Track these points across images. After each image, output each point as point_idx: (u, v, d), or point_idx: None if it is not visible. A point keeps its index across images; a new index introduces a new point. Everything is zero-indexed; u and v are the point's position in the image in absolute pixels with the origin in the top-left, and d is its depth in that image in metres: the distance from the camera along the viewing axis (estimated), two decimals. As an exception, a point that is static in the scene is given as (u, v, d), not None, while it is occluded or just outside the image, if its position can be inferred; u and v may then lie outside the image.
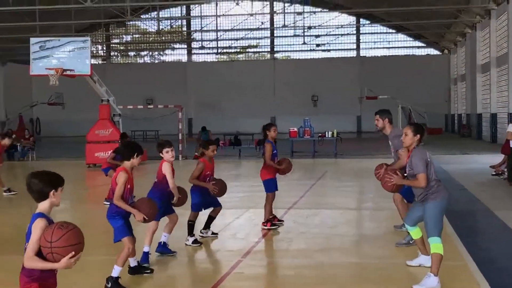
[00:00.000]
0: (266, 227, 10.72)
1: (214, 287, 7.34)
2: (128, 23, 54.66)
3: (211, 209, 9.91)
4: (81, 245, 4.39)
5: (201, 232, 10.07)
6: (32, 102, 53.07)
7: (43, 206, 4.54)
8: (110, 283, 7.12)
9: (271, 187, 10.79)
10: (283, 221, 11.40)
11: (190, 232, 9.59)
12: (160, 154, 8.61)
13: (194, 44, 59.67)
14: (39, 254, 4.37)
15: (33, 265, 4.37)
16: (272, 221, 10.86)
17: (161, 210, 8.27)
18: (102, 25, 55.60)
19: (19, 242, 9.25)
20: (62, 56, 21.75)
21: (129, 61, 61.23)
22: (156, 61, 61.19)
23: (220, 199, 9.92)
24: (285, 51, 59.21)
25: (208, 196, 9.61)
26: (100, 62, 59.24)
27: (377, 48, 57.47)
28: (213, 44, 58.82)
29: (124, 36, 61.17)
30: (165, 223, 8.79)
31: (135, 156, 7.37)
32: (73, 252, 4.34)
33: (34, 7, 32.33)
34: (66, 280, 5.11)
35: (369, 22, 55.23)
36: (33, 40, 21.99)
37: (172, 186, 8.43)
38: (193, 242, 9.53)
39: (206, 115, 53.49)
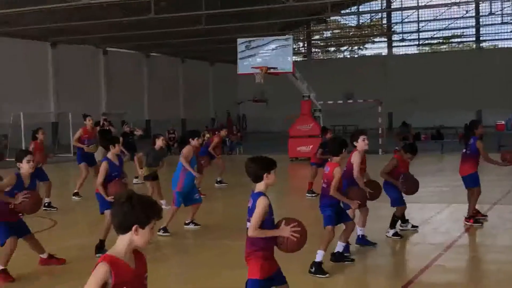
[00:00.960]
0: (469, 223, 10.54)
1: (414, 277, 7.49)
2: (329, 19, 55.43)
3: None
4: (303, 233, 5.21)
5: (400, 226, 10.18)
6: (238, 100, 56.12)
7: (260, 186, 5.25)
8: (314, 268, 7.58)
9: (475, 181, 10.57)
10: (486, 216, 11.13)
11: (392, 225, 9.76)
12: (354, 143, 8.77)
13: (395, 37, 58.98)
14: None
15: (257, 234, 5.10)
16: (475, 217, 10.64)
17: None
18: (303, 23, 56.99)
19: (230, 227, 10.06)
20: (266, 54, 22.82)
21: (329, 57, 62.10)
22: (356, 56, 61.42)
23: (419, 194, 9.93)
24: (492, 40, 56.41)
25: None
26: (301, 59, 60.79)
27: None
28: (414, 36, 57.69)
29: (324, 32, 62.15)
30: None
31: (343, 151, 7.81)
32: (285, 221, 5.16)
33: (238, 9, 34.09)
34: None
35: None
36: (239, 40, 23.32)
37: (356, 175, 8.57)
38: (393, 235, 9.69)
39: (406, 108, 52.65)
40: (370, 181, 8.85)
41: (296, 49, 61.27)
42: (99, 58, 45.02)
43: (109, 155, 9.10)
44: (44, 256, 8.32)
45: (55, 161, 26.45)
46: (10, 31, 36.53)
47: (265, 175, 5.22)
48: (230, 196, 15.46)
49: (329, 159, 8.26)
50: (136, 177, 16.51)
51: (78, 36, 40.35)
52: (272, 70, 22.69)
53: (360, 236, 9.19)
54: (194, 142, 10.94)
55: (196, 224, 10.86)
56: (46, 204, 13.07)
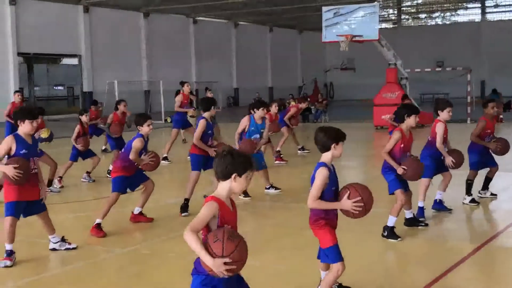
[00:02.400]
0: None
1: (487, 241, 7.60)
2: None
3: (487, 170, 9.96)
4: None
5: (479, 193, 10.18)
6: (326, 68, 55.92)
7: (325, 156, 5.30)
8: (386, 232, 7.80)
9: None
10: None
11: (468, 191, 9.79)
12: (439, 112, 8.83)
13: (489, 3, 56.84)
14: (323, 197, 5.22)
15: (316, 206, 5.20)
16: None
17: (433, 167, 8.71)
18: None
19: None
20: (352, 22, 22.75)
21: (420, 24, 60.64)
22: (448, 22, 59.67)
23: (501, 161, 9.89)
24: None
25: (486, 155, 9.69)
26: (391, 26, 59.71)
27: None
28: (509, 1, 55.39)
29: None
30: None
31: (408, 117, 7.81)
32: (349, 192, 5.16)
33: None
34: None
35: None
36: (325, 8, 23.34)
37: (438, 146, 8.65)
38: (470, 201, 9.73)
39: (500, 76, 50.90)
40: (452, 150, 8.88)
41: (386, 15, 60.20)
42: (189, 27, 45.93)
43: (206, 115, 9.64)
44: (136, 211, 9.00)
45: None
46: (105, 2, 37.94)
47: (332, 146, 5.23)
48: (310, 163, 15.64)
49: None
50: None
51: (170, 5, 41.36)
52: (357, 38, 22.62)
53: (437, 201, 9.28)
54: (259, 112, 11.07)
55: (276, 188, 11.23)
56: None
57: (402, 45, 54.11)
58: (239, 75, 50.14)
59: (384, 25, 60.19)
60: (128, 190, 8.76)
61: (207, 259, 3.86)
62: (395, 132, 7.81)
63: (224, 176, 4.05)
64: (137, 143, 8.48)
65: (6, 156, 7.03)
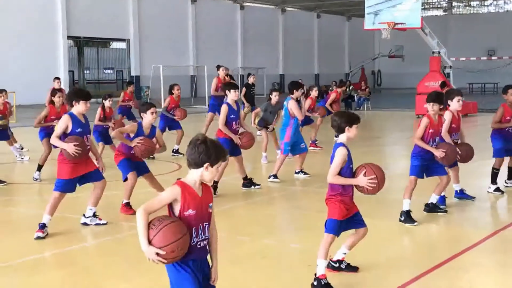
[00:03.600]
0: None
1: (502, 229, 7.77)
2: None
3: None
4: None
5: (505, 182, 10.27)
6: (374, 55, 55.51)
7: (342, 137, 5.79)
8: (403, 216, 8.03)
9: None
10: None
11: (493, 180, 9.89)
12: (449, 102, 8.76)
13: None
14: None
15: (335, 181, 5.70)
16: None
17: None
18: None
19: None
20: (394, 9, 22.67)
21: (472, 11, 59.59)
22: (501, 11, 58.46)
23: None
24: None
25: (510, 142, 9.75)
26: (441, 13, 58.88)
27: None
28: None
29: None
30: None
31: (433, 104, 8.02)
32: (365, 170, 5.66)
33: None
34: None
35: None
36: (367, -5, 23.37)
37: (443, 134, 8.56)
38: (495, 190, 9.84)
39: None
40: (462, 143, 8.91)
41: (436, 2, 59.37)
42: (236, 13, 46.29)
43: (229, 100, 9.96)
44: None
45: (193, 112, 28.06)
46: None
47: (346, 128, 5.72)
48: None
49: None
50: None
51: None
52: (399, 26, 22.56)
53: (457, 191, 9.43)
54: (297, 93, 11.27)
55: (305, 173, 11.51)
56: (175, 150, 14.25)
57: (452, 33, 53.56)
58: (285, 62, 50.34)
59: (434, 12, 59.41)
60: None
61: (142, 243, 3.88)
62: (423, 118, 8.08)
63: (196, 164, 4.03)
64: (131, 128, 8.54)
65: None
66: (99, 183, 7.90)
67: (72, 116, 7.61)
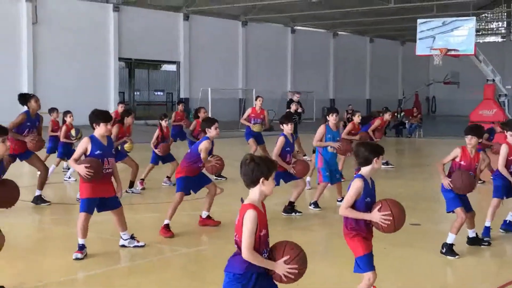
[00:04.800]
0: None
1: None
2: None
3: None
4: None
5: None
6: (428, 81, 54.95)
7: (365, 170, 5.55)
8: (444, 248, 7.96)
9: None
10: None
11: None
12: (507, 133, 8.82)
13: None
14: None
15: (346, 213, 5.50)
16: None
17: (503, 188, 8.72)
18: (502, 1, 54.28)
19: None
20: (448, 35, 22.52)
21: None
22: None
23: None
24: None
25: None
26: (499, 40, 58.05)
27: None
28: None
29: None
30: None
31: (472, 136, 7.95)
32: (381, 205, 5.39)
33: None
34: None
35: None
36: (420, 20, 23.28)
37: (500, 169, 8.65)
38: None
39: None
40: None
41: (495, 29, 58.60)
42: (287, 36, 46.61)
43: (285, 132, 10.11)
44: (203, 215, 9.55)
45: (239, 135, 28.30)
46: (205, 10, 39.26)
47: (374, 160, 5.50)
48: (392, 178, 15.60)
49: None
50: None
51: (269, 14, 42.26)
52: (452, 52, 22.41)
53: (507, 221, 9.28)
54: (331, 119, 11.25)
55: (316, 206, 11.21)
56: (216, 174, 14.40)
57: (510, 60, 52.59)
58: (336, 86, 50.31)
59: (492, 39, 58.62)
60: (191, 191, 9.22)
61: (271, 265, 4.30)
62: (456, 149, 8.00)
63: (252, 182, 4.33)
64: (205, 144, 8.88)
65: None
66: (116, 211, 8.00)
67: (93, 138, 7.71)
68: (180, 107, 17.23)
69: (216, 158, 9.14)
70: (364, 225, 5.52)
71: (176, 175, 9.24)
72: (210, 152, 9.14)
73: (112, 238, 8.51)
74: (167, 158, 13.10)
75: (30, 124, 10.86)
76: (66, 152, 13.68)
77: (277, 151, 9.93)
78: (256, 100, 16.17)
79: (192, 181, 9.08)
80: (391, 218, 5.34)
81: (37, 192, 11.21)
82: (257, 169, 4.30)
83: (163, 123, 13.26)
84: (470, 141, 7.93)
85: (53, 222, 10.38)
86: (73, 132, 13.82)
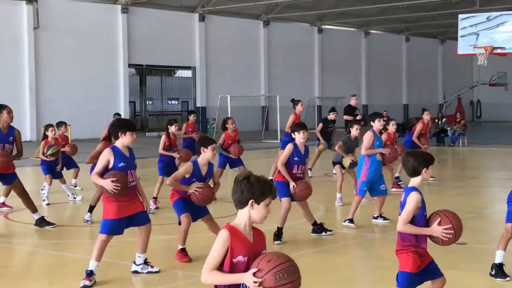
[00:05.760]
0: None
1: None
2: None
3: None
4: None
5: None
6: (472, 83, 54.65)
7: (415, 181, 5.73)
8: (494, 270, 7.85)
9: None
10: None
11: None
12: None
13: None
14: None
15: (406, 230, 5.63)
16: None
17: None
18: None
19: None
20: (493, 32, 22.34)
21: None
22: None
23: None
24: None
25: None
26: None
27: None
28: None
29: None
30: None
31: None
32: (440, 219, 5.54)
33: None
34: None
35: None
36: (461, 16, 23.15)
37: None
38: None
39: None
40: None
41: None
42: (313, 36, 46.57)
43: (296, 141, 10.01)
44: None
45: (263, 147, 28.39)
46: (223, 10, 39.39)
47: (424, 170, 5.67)
48: (435, 193, 15.41)
49: None
50: None
51: (293, 13, 42.31)
52: (499, 51, 22.23)
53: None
54: (376, 124, 11.27)
55: (385, 219, 11.38)
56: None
57: None
58: (369, 91, 50.14)
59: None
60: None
61: (237, 279, 4.13)
62: None
63: (240, 203, 4.22)
64: (184, 170, 8.58)
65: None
66: (144, 227, 8.03)
67: (115, 149, 7.75)
68: (192, 117, 17.20)
69: (197, 185, 8.49)
70: (423, 242, 5.69)
71: (171, 199, 8.91)
72: (198, 175, 8.59)
73: (123, 263, 8.50)
74: (174, 169, 12.87)
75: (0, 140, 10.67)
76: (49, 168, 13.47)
77: (282, 159, 9.82)
78: (297, 104, 16.29)
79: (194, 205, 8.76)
80: (452, 231, 5.57)
81: (35, 216, 11.24)
82: (248, 189, 4.19)
83: (172, 128, 13.18)
84: None
85: (57, 247, 10.40)
86: (41, 147, 13.30)
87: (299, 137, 9.98)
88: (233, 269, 4.18)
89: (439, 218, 5.60)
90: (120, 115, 18.66)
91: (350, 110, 19.40)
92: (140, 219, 7.95)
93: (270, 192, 4.23)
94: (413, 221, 5.63)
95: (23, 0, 32.12)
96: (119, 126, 7.89)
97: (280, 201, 9.80)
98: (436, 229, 5.57)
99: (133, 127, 7.95)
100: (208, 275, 4.18)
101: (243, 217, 4.25)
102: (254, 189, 4.18)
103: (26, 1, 32.13)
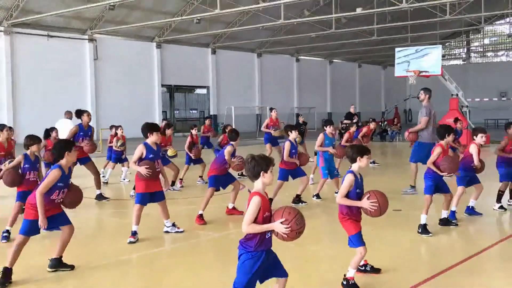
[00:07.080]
0: None
1: (506, 238, 7.53)
2: (485, 28, 51.77)
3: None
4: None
5: (508, 201, 9.93)
6: (406, 97, 54.48)
7: (354, 166, 5.58)
8: (420, 229, 7.83)
9: None
10: None
11: (498, 200, 9.59)
12: (474, 137, 8.80)
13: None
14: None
15: (342, 202, 5.49)
16: None
17: (467, 179, 8.65)
18: (462, 32, 53.92)
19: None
20: (420, 60, 22.32)
21: (486, 61, 57.85)
22: (511, 60, 56.49)
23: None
24: None
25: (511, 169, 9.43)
26: (461, 63, 57.48)
27: None
28: None
29: (482, 39, 58.00)
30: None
31: (446, 136, 7.96)
32: (369, 195, 5.41)
33: (407, 23, 33.51)
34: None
35: None
36: (397, 49, 23.10)
37: (476, 163, 8.64)
38: (499, 208, 9.53)
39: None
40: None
41: (457, 54, 58.08)
42: (293, 64, 46.54)
43: (290, 138, 10.03)
44: (230, 206, 9.51)
45: (257, 143, 28.31)
46: (229, 45, 39.27)
47: (358, 159, 5.52)
48: (380, 174, 15.43)
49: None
50: None
51: (278, 47, 42.23)
52: (424, 73, 22.19)
53: (469, 207, 9.18)
54: (328, 129, 11.20)
55: (318, 197, 11.04)
56: (239, 173, 14.32)
57: (470, 78, 52.27)
58: (332, 102, 50.11)
59: (455, 62, 58.15)
60: (220, 188, 9.12)
61: (270, 226, 4.17)
62: (437, 147, 7.96)
63: (254, 176, 4.27)
64: (228, 149, 8.92)
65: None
66: (161, 203, 7.91)
67: (146, 145, 7.64)
68: (207, 122, 17.20)
69: (239, 158, 9.05)
70: (355, 211, 5.52)
71: (208, 174, 9.13)
72: (233, 155, 9.04)
73: (157, 226, 8.50)
74: (198, 160, 13.11)
75: (83, 134, 10.84)
76: (116, 157, 13.69)
77: (286, 153, 9.89)
78: (271, 111, 16.16)
79: (221, 179, 9.01)
80: (377, 205, 5.38)
81: (98, 191, 11.23)
82: (257, 165, 4.25)
83: (193, 131, 13.25)
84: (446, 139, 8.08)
85: (111, 215, 10.40)
86: (115, 142, 13.66)
87: (294, 134, 10.03)
88: (264, 221, 4.20)
89: (368, 195, 5.42)
90: (169, 120, 18.61)
91: (349, 115, 19.29)
92: (158, 197, 7.81)
93: (271, 163, 4.31)
94: (347, 196, 5.46)
95: (86, 39, 31.96)
96: (147, 128, 7.75)
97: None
98: (364, 202, 5.37)
99: (157, 129, 7.82)
100: (248, 227, 4.16)
101: (259, 185, 4.28)
102: (260, 164, 4.24)
103: (88, 40, 31.97)
